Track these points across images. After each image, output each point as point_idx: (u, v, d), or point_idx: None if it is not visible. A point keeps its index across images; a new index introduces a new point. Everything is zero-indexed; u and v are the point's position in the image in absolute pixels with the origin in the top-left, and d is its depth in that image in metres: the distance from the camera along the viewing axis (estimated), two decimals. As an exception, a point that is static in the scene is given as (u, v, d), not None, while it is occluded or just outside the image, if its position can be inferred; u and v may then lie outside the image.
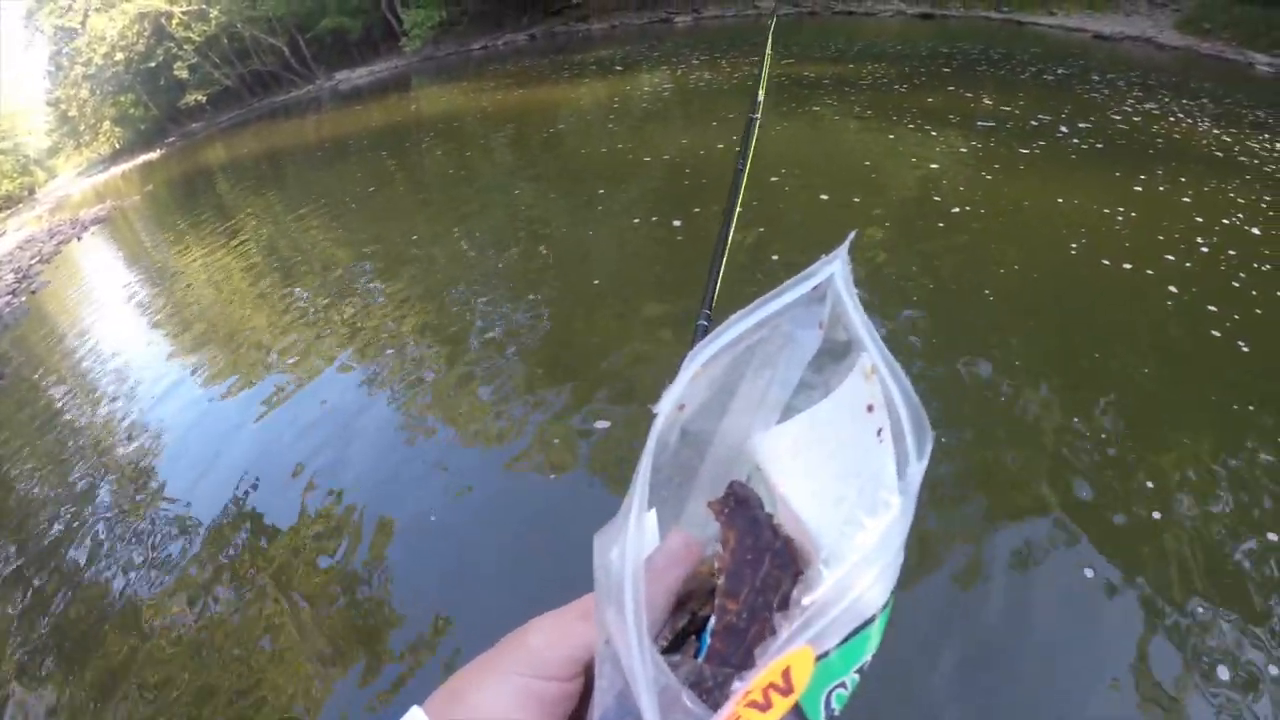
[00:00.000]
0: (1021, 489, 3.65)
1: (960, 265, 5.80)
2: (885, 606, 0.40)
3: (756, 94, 2.05)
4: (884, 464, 0.44)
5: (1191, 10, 18.06)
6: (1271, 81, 14.07)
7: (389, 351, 5.78)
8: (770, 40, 2.82)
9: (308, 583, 3.76)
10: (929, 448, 0.43)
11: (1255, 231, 6.08)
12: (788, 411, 0.53)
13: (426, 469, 4.40)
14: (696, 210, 7.30)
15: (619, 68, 17.69)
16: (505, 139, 12.98)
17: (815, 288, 0.50)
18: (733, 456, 0.53)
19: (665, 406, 0.45)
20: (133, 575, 4.19)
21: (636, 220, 7.38)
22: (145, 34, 36.74)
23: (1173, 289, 5.20)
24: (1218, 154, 8.21)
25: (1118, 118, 9.66)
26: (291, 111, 27.92)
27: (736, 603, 0.42)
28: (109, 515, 4.83)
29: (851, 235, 0.54)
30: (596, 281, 6.31)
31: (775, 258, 6.02)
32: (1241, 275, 5.34)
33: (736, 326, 0.47)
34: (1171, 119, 9.63)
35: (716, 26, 23.81)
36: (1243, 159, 8.02)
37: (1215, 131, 9.08)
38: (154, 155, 33.20)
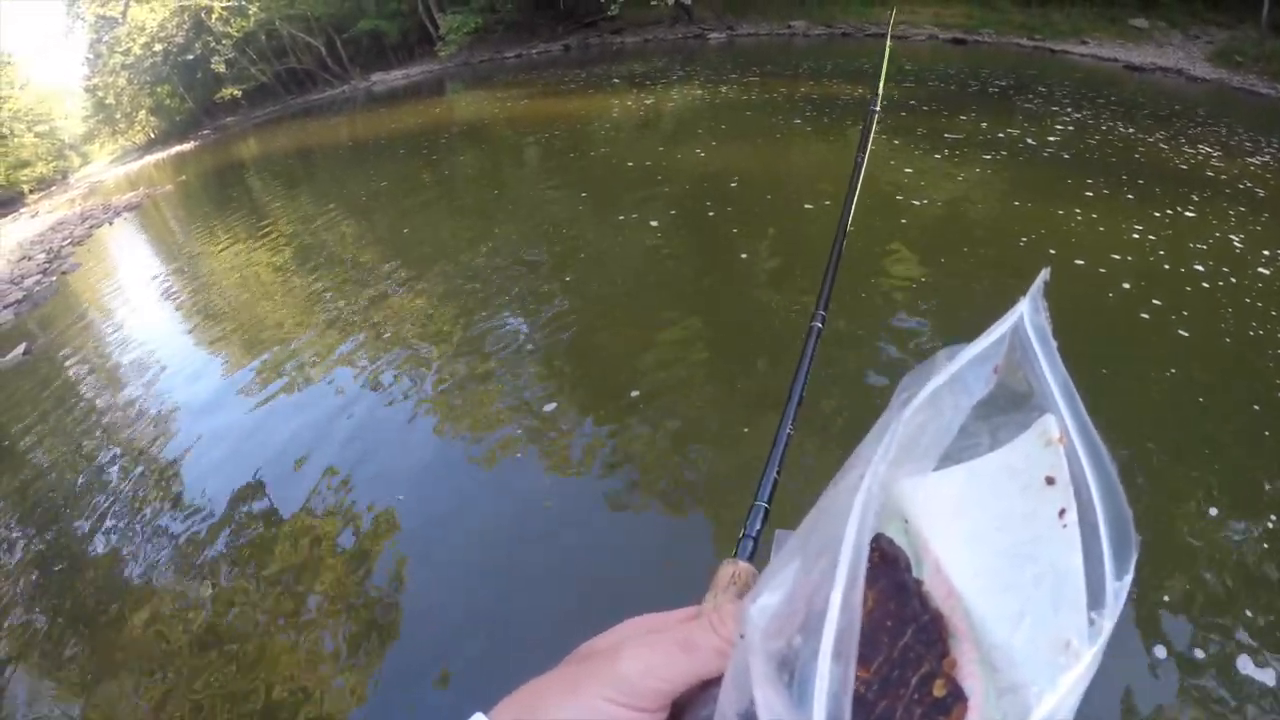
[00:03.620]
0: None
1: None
2: None
3: (878, 86, 1.97)
4: (1067, 559, 0.39)
5: (1224, 43, 18.05)
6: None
7: (410, 352, 5.81)
8: (889, 35, 2.81)
9: (319, 575, 3.78)
10: (1133, 560, 0.39)
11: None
12: (943, 460, 0.49)
13: (446, 469, 4.42)
14: (721, 229, 7.36)
15: (651, 81, 17.76)
16: (535, 146, 13.05)
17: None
18: (853, 482, 0.45)
19: (879, 468, 0.41)
20: (142, 559, 4.22)
21: (660, 235, 7.43)
22: (185, 26, 37.30)
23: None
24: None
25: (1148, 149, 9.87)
26: (325, 110, 28.17)
27: (867, 670, 0.39)
28: (122, 498, 4.86)
29: (1045, 273, 0.50)
30: (619, 293, 6.33)
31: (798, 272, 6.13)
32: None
33: (936, 379, 0.45)
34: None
35: (751, 45, 23.88)
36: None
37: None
38: (188, 147, 33.58)
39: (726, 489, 3.91)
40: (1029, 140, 9.97)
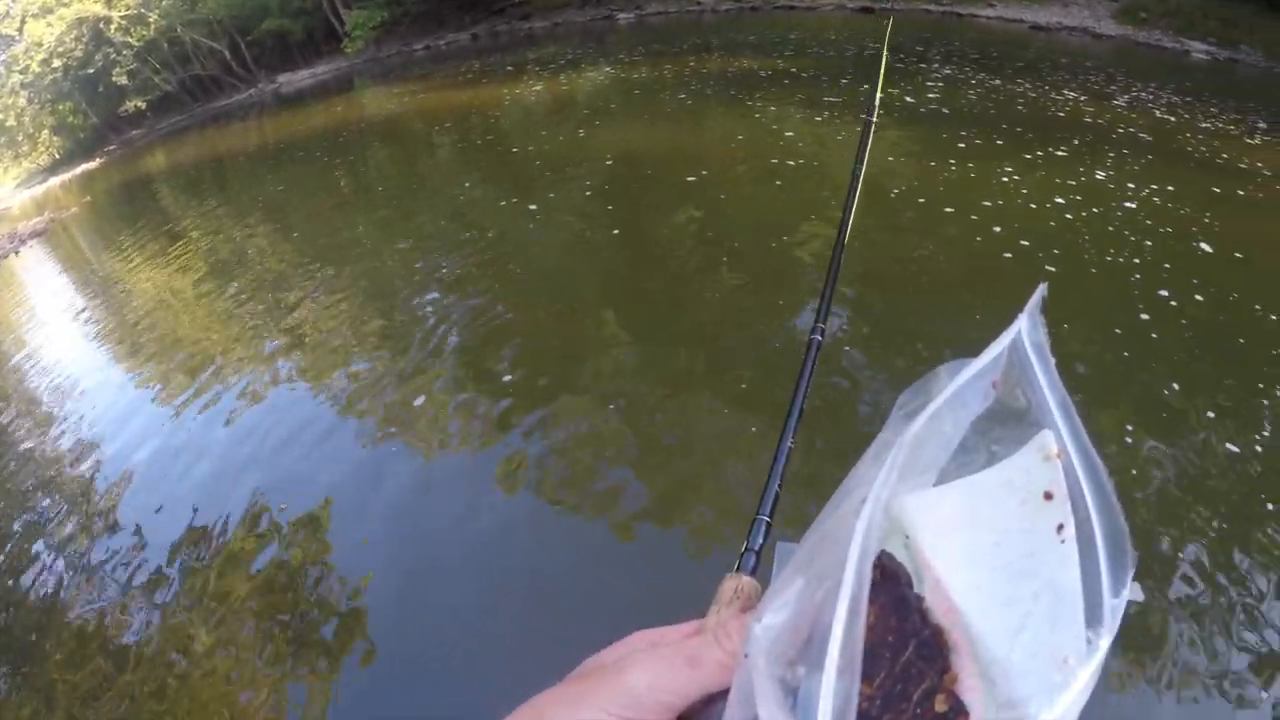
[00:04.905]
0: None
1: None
2: None
3: (874, 96, 1.99)
4: (1065, 574, 0.40)
5: (1129, 1, 18.57)
6: (1207, 66, 14.80)
7: (336, 358, 5.82)
8: (887, 40, 2.85)
9: (255, 595, 3.78)
10: (1130, 575, 0.40)
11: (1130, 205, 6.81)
12: (943, 475, 0.49)
13: (377, 477, 4.43)
14: (640, 208, 7.58)
15: (562, 66, 17.84)
16: (448, 139, 13.06)
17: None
18: (855, 505, 0.44)
19: (881, 494, 0.42)
20: (70, 589, 4.18)
21: (580, 219, 7.60)
22: (84, 40, 35.92)
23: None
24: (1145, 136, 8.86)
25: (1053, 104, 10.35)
26: (233, 116, 27.59)
27: (870, 686, 0.39)
28: (49, 530, 4.82)
29: (1042, 289, 0.52)
30: (541, 280, 6.44)
31: (724, 243, 6.44)
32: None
33: (936, 399, 0.46)
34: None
35: (660, 23, 24.01)
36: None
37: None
38: (94, 164, 32.47)
39: (650, 473, 4.04)
40: (908, 99, 10.42)
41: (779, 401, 4.34)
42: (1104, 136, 8.76)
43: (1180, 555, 3.20)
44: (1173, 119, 10.01)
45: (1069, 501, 0.42)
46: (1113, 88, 11.66)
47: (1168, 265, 5.67)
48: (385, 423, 4.89)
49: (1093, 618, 0.39)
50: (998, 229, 6.18)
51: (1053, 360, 0.48)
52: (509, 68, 19.20)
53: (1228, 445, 3.88)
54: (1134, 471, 3.70)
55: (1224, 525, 3.38)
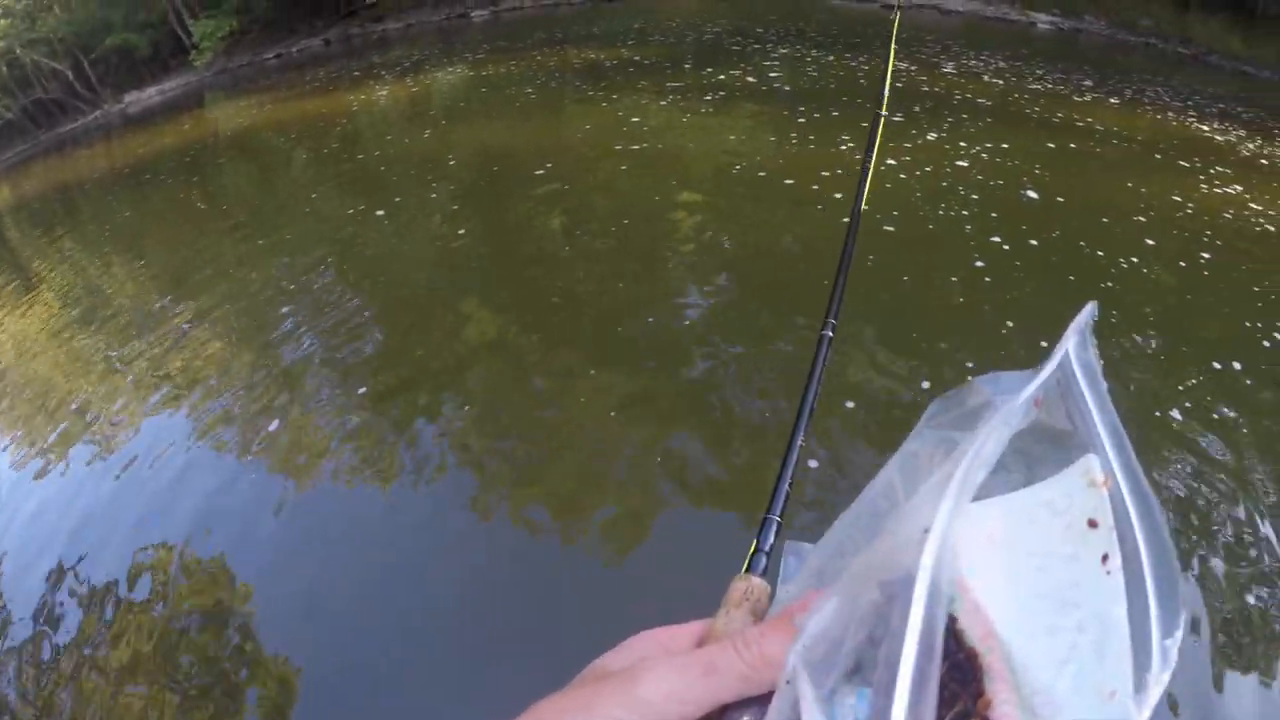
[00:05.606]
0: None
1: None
2: None
3: (882, 90, 2.00)
4: (1111, 607, 0.39)
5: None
6: (1052, 36, 16.05)
7: (212, 393, 5.75)
8: (894, 35, 2.91)
9: (147, 648, 3.73)
10: (1181, 619, 0.39)
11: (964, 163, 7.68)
12: (980, 492, 0.45)
13: (268, 509, 4.42)
14: (502, 207, 7.95)
15: (408, 69, 18.00)
16: (305, 150, 13.08)
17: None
18: (916, 536, 0.41)
19: (947, 527, 0.39)
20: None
21: (443, 222, 7.93)
22: (-86, 70, 33.89)
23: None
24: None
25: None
26: (81, 141, 26.42)
27: None
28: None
29: (1092, 308, 0.51)
30: (412, 290, 6.65)
31: (580, 233, 6.94)
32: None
33: (994, 421, 0.44)
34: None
35: (516, 18, 24.19)
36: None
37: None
38: (-69, 204, 30.71)
39: (537, 477, 4.29)
40: (749, 79, 11.36)
41: (664, 389, 4.78)
42: (942, 102, 9.58)
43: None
44: (1000, 82, 11.02)
45: (1114, 532, 0.42)
46: (943, 58, 12.55)
47: (994, 214, 6.38)
48: (263, 451, 4.89)
49: (1141, 658, 0.38)
50: (838, 196, 6.82)
51: (1104, 384, 0.47)
52: (356, 73, 19.17)
53: None
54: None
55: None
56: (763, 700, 0.45)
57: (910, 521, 0.41)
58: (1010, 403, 0.46)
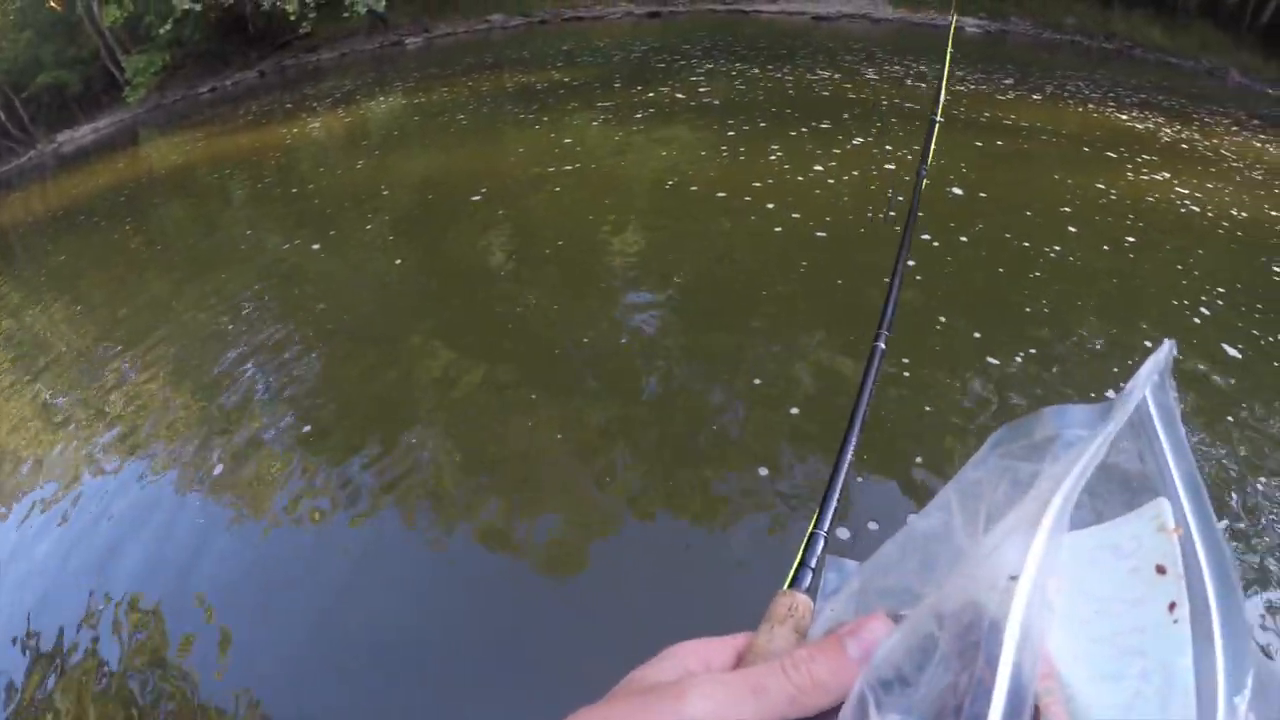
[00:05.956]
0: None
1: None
2: None
3: (939, 96, 2.11)
4: (1178, 658, 0.38)
5: (908, -15, 20.21)
6: (980, 39, 16.58)
7: (162, 436, 5.65)
8: (950, 42, 2.94)
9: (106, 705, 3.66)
10: (1250, 678, 0.37)
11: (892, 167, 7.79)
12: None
13: (213, 551, 4.39)
14: (440, 234, 8.05)
15: (340, 99, 17.96)
16: (241, 185, 12.95)
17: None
18: (1000, 580, 0.39)
19: (1040, 577, 0.37)
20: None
21: (379, 252, 7.93)
22: None
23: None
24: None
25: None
26: (13, 184, 25.81)
27: None
28: None
29: (1169, 347, 0.48)
30: (360, 320, 6.64)
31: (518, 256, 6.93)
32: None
33: (1083, 464, 0.42)
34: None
35: (450, 44, 24.26)
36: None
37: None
38: None
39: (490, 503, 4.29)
40: (679, 95, 11.20)
41: (616, 406, 4.86)
42: (871, 108, 9.79)
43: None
44: (923, 85, 11.20)
45: (1183, 580, 0.40)
46: (864, 65, 12.83)
47: (922, 213, 6.49)
48: (219, 496, 4.84)
49: (1206, 713, 0.36)
50: (770, 206, 6.95)
51: (1182, 429, 0.46)
52: (288, 105, 19.05)
53: (988, 359, 4.79)
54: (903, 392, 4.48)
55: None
56: None
57: (990, 563, 0.39)
58: (1087, 444, 0.43)
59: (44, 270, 11.95)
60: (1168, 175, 7.95)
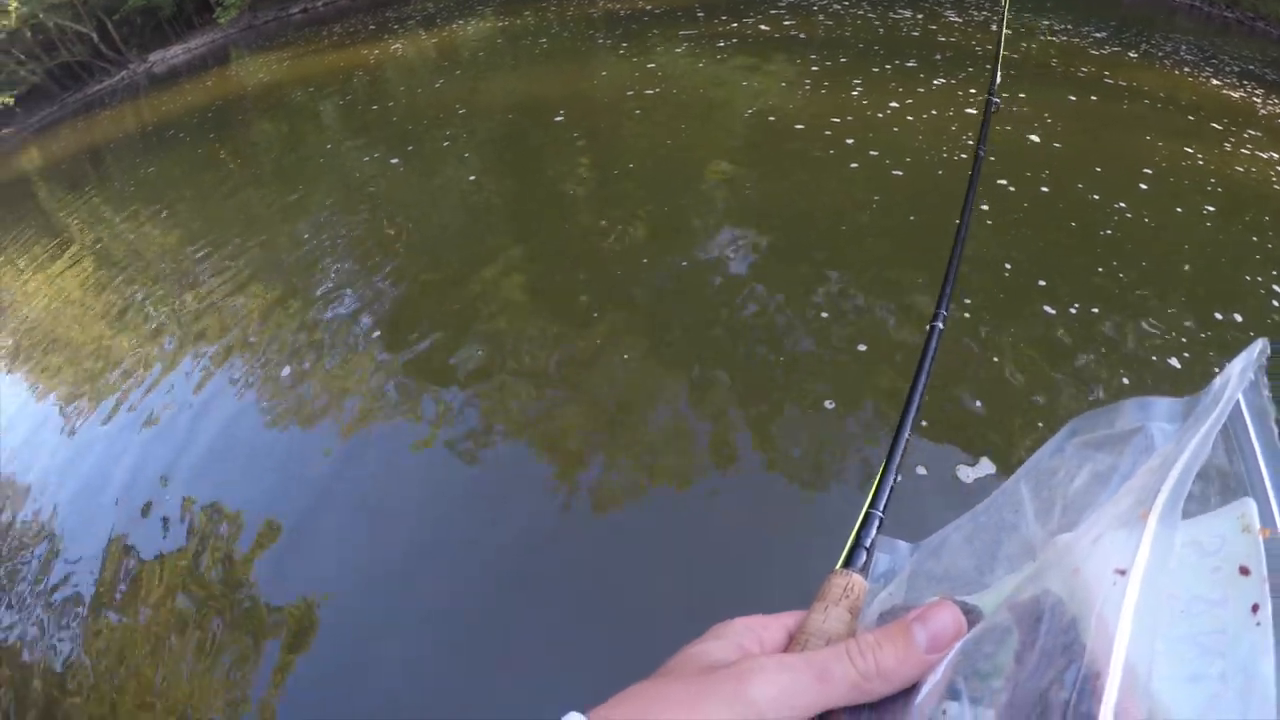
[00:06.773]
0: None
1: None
2: None
3: (994, 76, 1.93)
4: (1259, 661, 0.36)
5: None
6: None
7: (246, 344, 5.92)
8: (1005, 15, 2.86)
9: (195, 595, 3.85)
10: None
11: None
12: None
13: (307, 459, 4.57)
14: (536, 156, 8.08)
15: (443, 19, 17.91)
16: (333, 104, 13.16)
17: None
18: (1106, 574, 0.40)
19: (1150, 577, 0.38)
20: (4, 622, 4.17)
21: (473, 176, 7.97)
22: (-62, 37, 34.13)
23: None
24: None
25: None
26: (108, 102, 26.62)
27: None
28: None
29: (1262, 345, 0.46)
30: (447, 238, 6.76)
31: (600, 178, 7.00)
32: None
33: (1181, 463, 0.41)
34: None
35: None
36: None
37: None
38: (-37, 169, 31.10)
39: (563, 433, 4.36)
40: (763, 27, 11.44)
41: (702, 349, 4.81)
42: (964, 52, 9.56)
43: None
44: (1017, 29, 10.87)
45: (1267, 583, 0.38)
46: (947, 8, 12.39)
47: (993, 159, 6.44)
48: (301, 409, 4.99)
49: None
50: (849, 141, 6.94)
51: (1276, 429, 0.44)
52: (390, 25, 19.08)
53: (1045, 308, 4.69)
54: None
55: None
56: (869, 709, 0.46)
57: (1095, 557, 0.40)
58: (1184, 440, 0.43)
59: (141, 185, 12.30)
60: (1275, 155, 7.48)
